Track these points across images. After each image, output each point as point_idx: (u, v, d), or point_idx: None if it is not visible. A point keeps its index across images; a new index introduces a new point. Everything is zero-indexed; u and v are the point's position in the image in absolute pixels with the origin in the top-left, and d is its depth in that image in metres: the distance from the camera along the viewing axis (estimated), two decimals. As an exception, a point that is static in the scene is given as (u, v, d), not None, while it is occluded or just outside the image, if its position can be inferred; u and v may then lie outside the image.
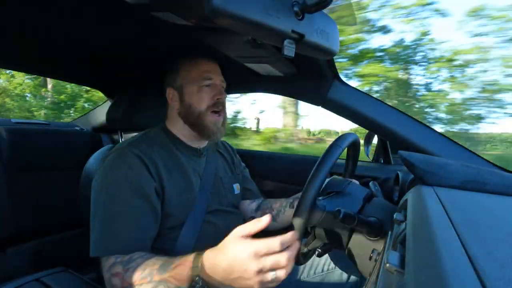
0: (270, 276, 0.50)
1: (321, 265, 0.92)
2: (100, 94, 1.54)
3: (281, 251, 0.50)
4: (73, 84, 7.00)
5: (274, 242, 0.50)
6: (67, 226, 1.36)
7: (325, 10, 0.61)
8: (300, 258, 0.67)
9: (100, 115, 1.58)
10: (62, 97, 7.77)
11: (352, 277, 0.89)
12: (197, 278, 0.53)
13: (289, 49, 0.59)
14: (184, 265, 0.55)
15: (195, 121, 0.83)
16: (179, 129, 0.86)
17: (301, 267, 0.93)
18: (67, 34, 0.82)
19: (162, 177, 0.75)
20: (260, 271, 0.49)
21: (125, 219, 0.68)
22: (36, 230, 1.28)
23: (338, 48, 0.72)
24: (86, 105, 7.66)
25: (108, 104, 1.51)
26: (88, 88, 6.29)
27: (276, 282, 0.51)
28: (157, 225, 0.73)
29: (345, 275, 0.89)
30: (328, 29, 0.66)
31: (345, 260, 0.89)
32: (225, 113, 0.87)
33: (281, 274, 0.50)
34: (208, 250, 0.55)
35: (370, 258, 0.58)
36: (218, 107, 0.84)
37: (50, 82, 8.16)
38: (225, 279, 0.51)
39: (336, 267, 0.91)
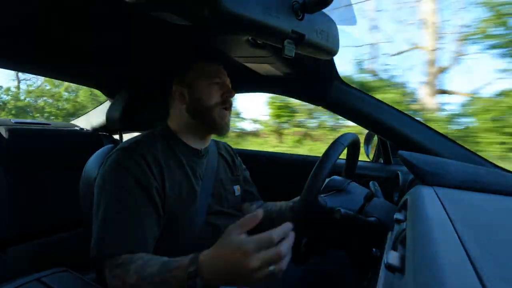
0: (269, 270, 0.49)
1: (321, 265, 0.92)
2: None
3: (276, 244, 0.50)
4: None
5: (268, 235, 0.50)
6: (67, 226, 1.36)
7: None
8: (300, 258, 0.68)
9: (100, 115, 1.58)
10: None
11: (352, 277, 0.89)
12: (194, 281, 0.53)
13: (289, 49, 0.59)
14: (181, 269, 0.56)
15: (204, 115, 0.84)
16: (182, 128, 0.86)
17: (301, 267, 0.93)
18: (67, 33, 0.82)
19: (165, 178, 0.75)
20: (258, 267, 0.49)
21: (128, 219, 0.68)
22: (36, 230, 1.28)
23: (338, 48, 0.72)
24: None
25: (108, 104, 1.51)
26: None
27: (277, 275, 0.51)
28: (160, 226, 0.73)
29: (345, 275, 0.89)
30: (328, 29, 0.66)
31: (345, 260, 0.89)
32: (230, 111, 0.89)
33: (280, 266, 0.50)
34: (204, 253, 0.55)
35: (370, 257, 0.58)
36: (226, 105, 0.86)
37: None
38: (225, 279, 0.52)
39: (336, 267, 0.91)
